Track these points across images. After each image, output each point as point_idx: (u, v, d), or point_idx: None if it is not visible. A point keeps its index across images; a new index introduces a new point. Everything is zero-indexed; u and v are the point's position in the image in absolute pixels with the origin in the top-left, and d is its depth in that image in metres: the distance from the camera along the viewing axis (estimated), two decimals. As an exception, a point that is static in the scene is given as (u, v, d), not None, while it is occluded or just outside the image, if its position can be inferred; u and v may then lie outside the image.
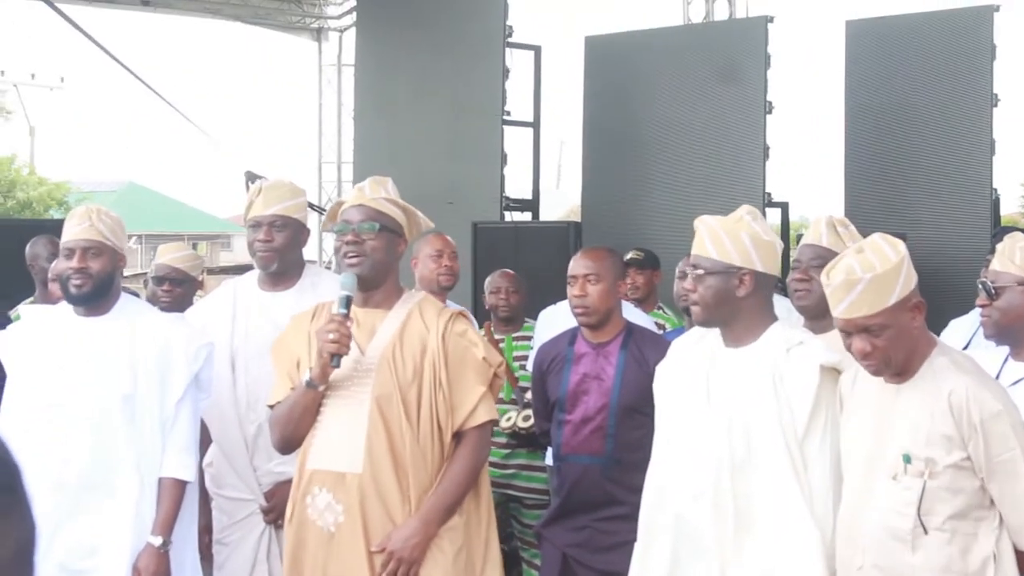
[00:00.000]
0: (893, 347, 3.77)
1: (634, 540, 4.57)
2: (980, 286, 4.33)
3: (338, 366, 4.39)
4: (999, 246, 4.37)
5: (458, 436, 4.52)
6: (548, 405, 5.52)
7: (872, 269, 3.77)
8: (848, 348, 3.87)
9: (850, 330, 3.81)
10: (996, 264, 4.33)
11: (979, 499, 3.75)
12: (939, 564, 3.74)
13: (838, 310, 3.83)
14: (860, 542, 3.84)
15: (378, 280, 4.55)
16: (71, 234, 4.78)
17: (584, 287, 5.30)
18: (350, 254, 4.50)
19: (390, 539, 4.37)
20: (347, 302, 4.44)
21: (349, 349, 4.38)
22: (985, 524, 3.75)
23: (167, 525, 4.66)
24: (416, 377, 4.45)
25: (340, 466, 4.44)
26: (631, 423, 5.13)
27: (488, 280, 7.45)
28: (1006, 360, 4.36)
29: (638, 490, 4.96)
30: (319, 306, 4.70)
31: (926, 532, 3.73)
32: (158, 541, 4.64)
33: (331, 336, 4.34)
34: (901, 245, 3.84)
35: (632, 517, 4.87)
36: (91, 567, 4.66)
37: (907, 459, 3.75)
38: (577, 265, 5.38)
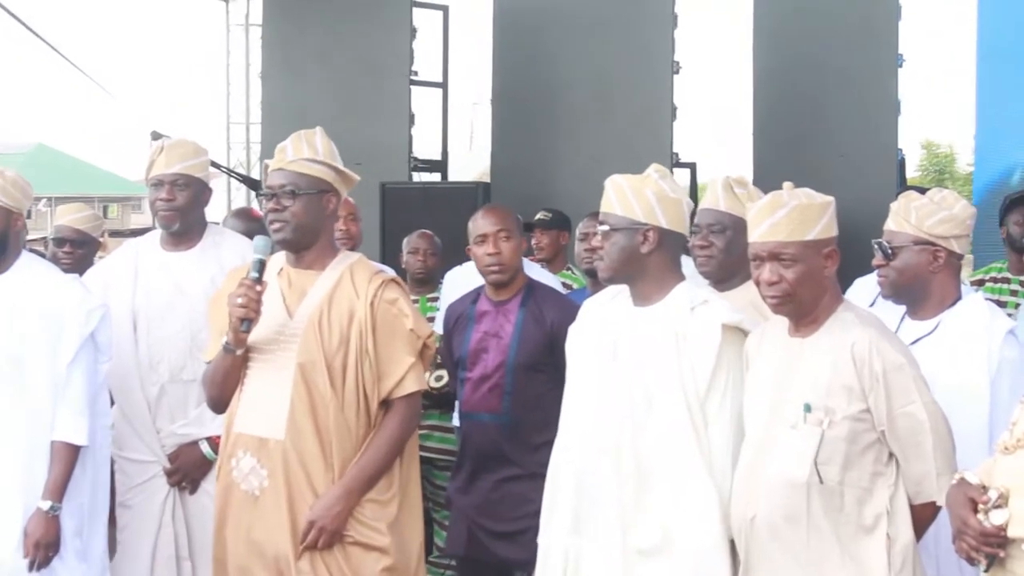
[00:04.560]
0: (800, 285, 3.81)
1: (529, 503, 4.60)
2: (876, 246, 4.35)
3: (248, 331, 4.34)
4: (893, 205, 4.38)
5: (387, 405, 4.47)
6: (454, 363, 5.54)
7: (799, 199, 3.85)
8: (756, 281, 3.90)
9: (763, 255, 3.85)
10: (891, 224, 4.35)
11: (876, 453, 3.78)
12: (833, 515, 3.77)
13: (756, 232, 3.86)
14: (758, 492, 3.86)
15: (304, 243, 4.49)
16: None
17: (497, 244, 5.31)
18: (273, 221, 4.43)
19: (312, 509, 4.33)
20: (260, 266, 4.38)
21: (258, 314, 4.33)
22: (881, 480, 3.79)
23: (57, 489, 4.59)
24: (342, 344, 4.39)
25: (263, 431, 4.41)
26: (528, 381, 5.14)
27: (406, 240, 7.46)
28: (902, 319, 4.39)
29: (534, 449, 4.96)
30: None
31: (822, 482, 3.76)
32: (47, 505, 4.57)
33: (239, 301, 4.30)
34: (831, 198, 3.93)
35: (527, 478, 4.89)
36: None
37: (807, 408, 3.78)
38: (486, 223, 5.38)
